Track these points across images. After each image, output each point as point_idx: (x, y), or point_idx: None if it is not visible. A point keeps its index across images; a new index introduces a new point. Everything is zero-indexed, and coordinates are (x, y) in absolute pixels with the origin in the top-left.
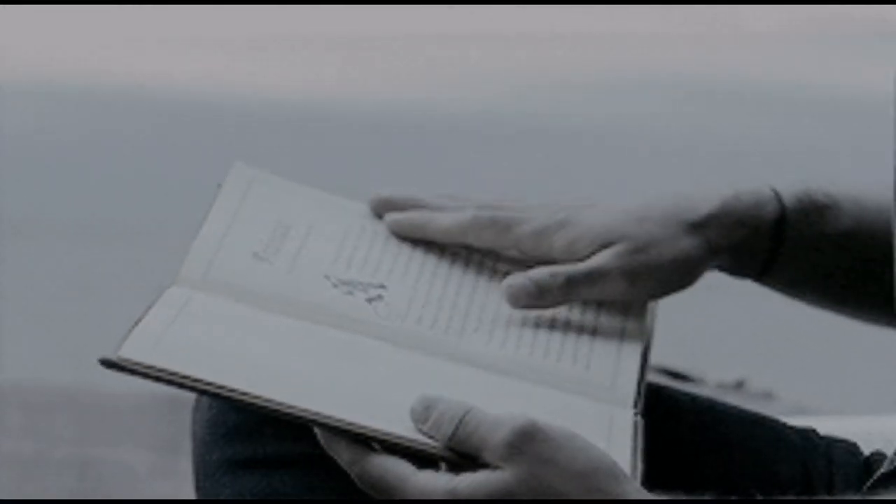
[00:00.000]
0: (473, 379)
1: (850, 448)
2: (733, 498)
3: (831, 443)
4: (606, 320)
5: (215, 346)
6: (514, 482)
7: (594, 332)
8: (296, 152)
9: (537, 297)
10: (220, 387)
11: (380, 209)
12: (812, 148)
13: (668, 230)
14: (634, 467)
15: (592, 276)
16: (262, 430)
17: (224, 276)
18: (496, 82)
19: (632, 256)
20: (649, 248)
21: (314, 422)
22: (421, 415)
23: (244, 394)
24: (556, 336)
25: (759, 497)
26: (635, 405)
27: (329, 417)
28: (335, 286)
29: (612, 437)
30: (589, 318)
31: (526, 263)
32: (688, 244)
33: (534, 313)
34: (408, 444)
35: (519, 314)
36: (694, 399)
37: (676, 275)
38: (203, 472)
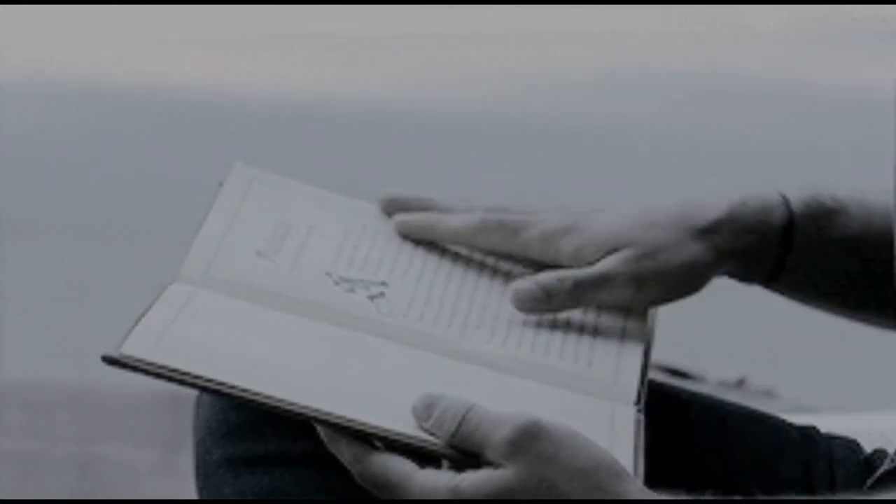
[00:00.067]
0: (475, 376)
1: (851, 446)
2: (735, 497)
3: (832, 440)
4: (608, 319)
5: (217, 343)
6: (516, 480)
7: (595, 331)
8: (296, 152)
9: (544, 302)
10: (222, 384)
11: (389, 208)
12: (812, 148)
13: (676, 236)
14: (636, 465)
15: (600, 282)
16: (263, 428)
17: (226, 273)
18: (496, 82)
19: (639, 262)
20: (657, 253)
21: (316, 419)
22: (423, 412)
23: (246, 391)
24: (558, 334)
25: (761, 495)
26: (637, 402)
27: (331, 415)
28: (337, 283)
29: (613, 434)
30: (590, 317)
31: (529, 264)
32: (695, 250)
33: None
34: (410, 441)
35: (521, 313)
36: (695, 397)
37: (684, 280)
38: (204, 470)
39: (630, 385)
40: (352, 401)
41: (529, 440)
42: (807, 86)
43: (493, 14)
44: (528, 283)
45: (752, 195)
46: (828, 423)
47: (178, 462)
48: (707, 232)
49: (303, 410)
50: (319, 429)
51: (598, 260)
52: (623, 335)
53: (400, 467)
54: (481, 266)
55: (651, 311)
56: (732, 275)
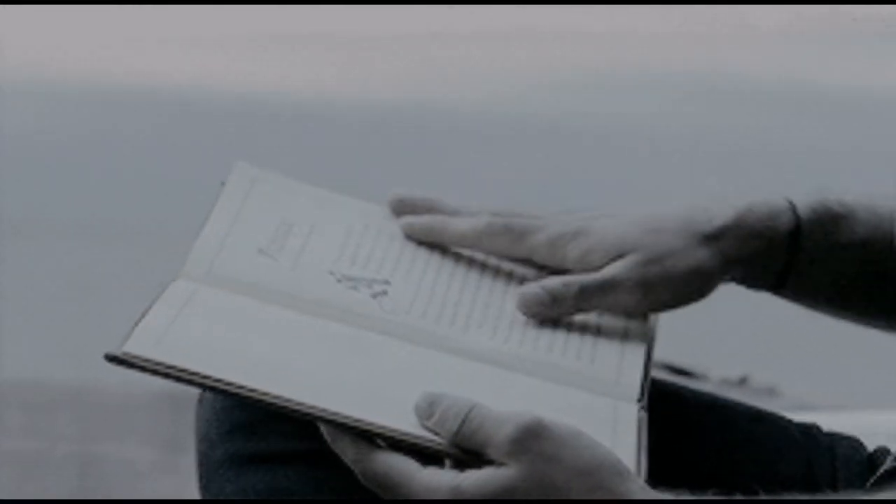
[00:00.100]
0: (477, 373)
1: (854, 444)
2: (738, 497)
3: (834, 439)
4: (610, 319)
5: (220, 341)
6: (519, 479)
7: (598, 329)
8: (296, 152)
9: (550, 307)
10: (226, 382)
11: (397, 208)
12: (813, 147)
13: (683, 241)
14: (639, 463)
15: (605, 287)
16: (265, 426)
17: (228, 270)
18: (496, 82)
19: (646, 267)
20: (663, 259)
21: (319, 418)
22: (425, 411)
23: (249, 390)
24: (561, 333)
25: (763, 494)
26: (640, 400)
27: (334, 414)
28: (339, 282)
29: (616, 431)
30: (592, 316)
31: (534, 267)
32: (702, 255)
33: None
34: (412, 440)
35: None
36: (697, 395)
37: (690, 286)
38: (207, 469)
39: (633, 382)
40: (355, 399)
41: (532, 439)
42: (807, 86)
43: (493, 13)
44: (534, 287)
45: (758, 201)
46: (830, 421)
47: (179, 461)
48: (713, 238)
49: (306, 409)
50: (322, 427)
51: (604, 265)
52: (626, 333)
53: (403, 466)
54: (484, 266)
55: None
56: (740, 281)
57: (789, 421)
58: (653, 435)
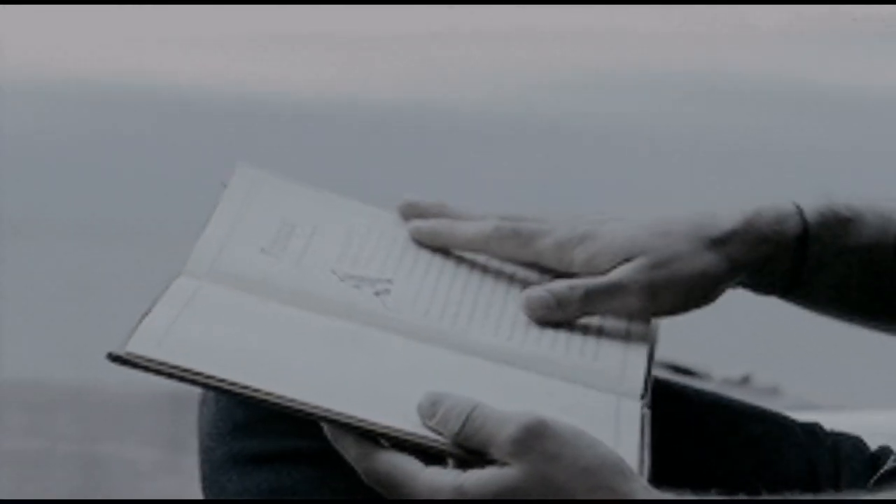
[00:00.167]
0: (481, 370)
1: (856, 443)
2: (741, 497)
3: (837, 438)
4: (613, 321)
5: (222, 339)
6: (521, 478)
7: (600, 329)
8: (296, 151)
9: (555, 310)
10: (228, 382)
11: (406, 213)
12: (813, 147)
13: (690, 246)
14: (641, 462)
15: (611, 290)
16: (268, 425)
17: (231, 267)
18: (496, 82)
19: (652, 271)
20: (670, 263)
21: (322, 418)
22: (428, 410)
23: (252, 389)
24: (563, 331)
25: (765, 493)
26: (643, 397)
27: (338, 414)
28: (342, 280)
29: (619, 429)
30: (595, 319)
31: (540, 270)
32: (709, 260)
33: None
34: (415, 440)
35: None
36: (699, 394)
37: (697, 290)
38: (209, 468)
39: (636, 379)
40: (358, 398)
41: (534, 439)
42: (807, 86)
43: (494, 13)
44: (540, 291)
45: (766, 205)
46: (832, 421)
47: (181, 461)
48: (721, 242)
49: (309, 409)
50: (324, 426)
51: (611, 269)
52: (628, 330)
53: (406, 466)
54: (486, 268)
55: None
56: (747, 285)
57: (792, 420)
58: (655, 434)
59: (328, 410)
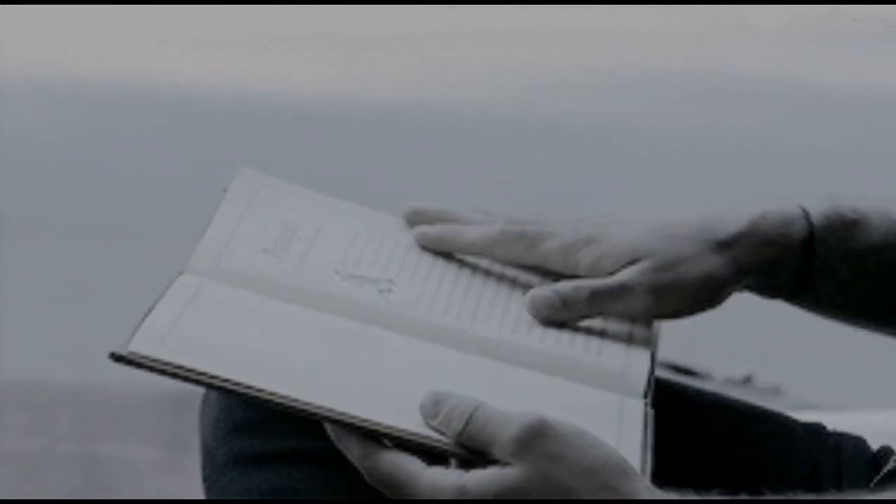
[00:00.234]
0: (483, 369)
1: (858, 443)
2: (743, 497)
3: (839, 438)
4: (615, 322)
5: (225, 339)
6: (524, 479)
7: (604, 328)
8: (296, 151)
9: (560, 310)
10: (231, 382)
11: (413, 220)
12: (813, 147)
13: (696, 248)
14: (644, 461)
15: (617, 292)
16: (270, 425)
17: (234, 266)
18: (496, 82)
19: (658, 273)
20: (676, 265)
21: (325, 418)
22: (431, 410)
23: (256, 389)
24: (567, 330)
25: (767, 493)
26: (646, 395)
27: (341, 414)
28: (345, 280)
29: (622, 428)
30: (598, 320)
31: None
32: (715, 263)
33: None
34: (418, 440)
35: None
36: (701, 394)
37: (703, 293)
38: (211, 467)
39: (639, 377)
40: (360, 398)
41: (536, 439)
42: (807, 86)
43: (493, 13)
44: (545, 290)
45: (771, 209)
46: (834, 421)
47: (182, 461)
48: (727, 245)
49: (312, 409)
50: (327, 426)
51: (616, 271)
52: (631, 330)
53: (408, 466)
54: (489, 271)
55: None
56: (753, 288)
57: (794, 421)
58: (657, 434)
59: (331, 410)
